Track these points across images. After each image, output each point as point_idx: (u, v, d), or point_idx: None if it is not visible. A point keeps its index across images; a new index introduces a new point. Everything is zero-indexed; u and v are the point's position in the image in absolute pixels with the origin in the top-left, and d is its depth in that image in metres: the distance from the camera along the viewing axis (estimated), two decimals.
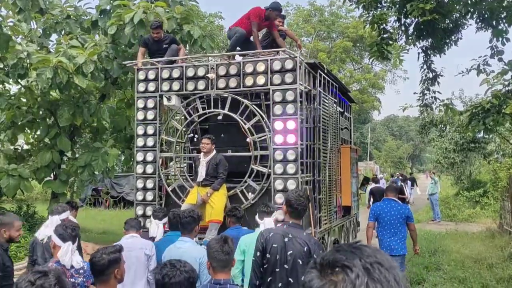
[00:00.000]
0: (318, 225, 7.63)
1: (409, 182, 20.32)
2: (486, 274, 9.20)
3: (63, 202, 7.47)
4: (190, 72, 7.67)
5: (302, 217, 4.22)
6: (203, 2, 63.05)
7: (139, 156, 7.93)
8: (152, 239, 5.80)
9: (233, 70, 7.42)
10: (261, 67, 7.22)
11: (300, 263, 3.84)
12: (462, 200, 21.22)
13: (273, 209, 5.58)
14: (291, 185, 6.83)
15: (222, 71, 7.49)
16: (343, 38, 37.37)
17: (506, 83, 8.29)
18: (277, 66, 7.12)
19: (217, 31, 27.70)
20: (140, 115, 7.99)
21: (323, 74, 8.25)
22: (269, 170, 7.08)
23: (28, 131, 12.15)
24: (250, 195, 7.23)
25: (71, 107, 10.83)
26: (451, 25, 9.02)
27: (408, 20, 8.90)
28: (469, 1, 8.22)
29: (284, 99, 7.03)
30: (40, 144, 11.93)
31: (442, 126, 22.12)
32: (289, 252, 3.88)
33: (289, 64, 7.06)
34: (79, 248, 4.78)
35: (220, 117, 7.62)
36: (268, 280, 3.91)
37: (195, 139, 8.34)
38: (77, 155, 12.16)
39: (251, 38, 8.20)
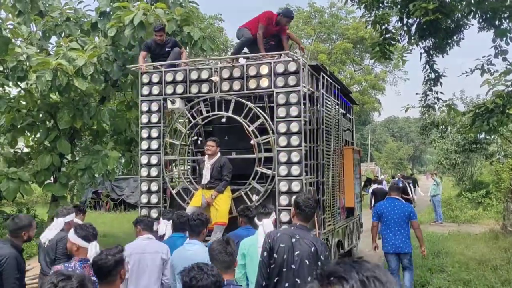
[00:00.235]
0: (322, 227, 7.74)
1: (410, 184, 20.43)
2: (491, 276, 9.22)
3: (71, 206, 7.53)
4: (194, 75, 7.78)
5: (310, 220, 4.29)
6: (202, 5, 63.18)
7: (144, 159, 8.03)
8: (161, 238, 5.90)
9: (236, 73, 7.52)
10: (264, 70, 7.32)
11: (307, 263, 3.91)
12: (464, 201, 21.30)
13: (271, 210, 5.63)
14: (296, 186, 6.92)
15: (225, 74, 7.59)
16: (343, 40, 37.55)
17: (509, 83, 8.34)
18: (280, 68, 7.22)
19: (217, 33, 27.82)
20: (144, 118, 8.09)
21: (325, 76, 8.37)
22: (273, 172, 7.18)
23: (28, 134, 12.14)
24: (254, 197, 7.33)
25: (71, 109, 10.86)
26: (453, 25, 9.06)
27: (410, 20, 8.94)
28: (472, 1, 8.26)
29: (287, 101, 7.12)
30: (40, 147, 11.93)
31: (444, 127, 22.21)
32: (296, 253, 3.94)
33: (292, 67, 7.16)
34: None
35: (224, 120, 7.74)
36: (275, 280, 3.97)
37: (199, 142, 8.46)
38: (77, 158, 12.21)
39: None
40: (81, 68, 9.70)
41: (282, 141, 7.12)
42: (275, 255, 4.00)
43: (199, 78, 7.75)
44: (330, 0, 39.37)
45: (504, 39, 8.70)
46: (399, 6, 8.74)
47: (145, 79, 8.14)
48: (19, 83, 11.01)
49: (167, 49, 8.70)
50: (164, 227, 6.18)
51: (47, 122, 11.84)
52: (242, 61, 7.71)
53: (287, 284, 3.92)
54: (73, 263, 4.00)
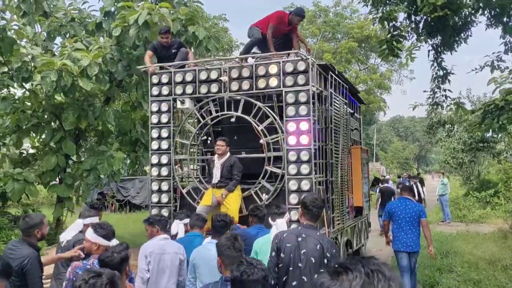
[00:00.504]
0: (332, 225, 7.88)
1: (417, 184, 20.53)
2: (501, 276, 9.25)
3: (87, 207, 7.59)
4: (203, 76, 7.93)
5: (317, 219, 4.40)
6: (206, 5, 63.33)
7: (154, 159, 8.19)
8: (173, 237, 6.03)
9: (245, 72, 7.66)
10: (273, 69, 7.46)
11: (313, 261, 4.01)
12: (472, 200, 21.32)
13: (285, 210, 5.79)
14: (305, 185, 7.05)
15: (234, 73, 7.73)
16: (348, 39, 37.70)
17: None
18: (289, 68, 7.35)
19: (222, 33, 27.92)
20: (154, 119, 8.25)
21: (334, 75, 8.51)
22: (283, 171, 7.32)
23: (34, 135, 12.23)
24: (264, 196, 7.48)
25: (75, 110, 10.98)
26: (460, 22, 9.11)
27: (418, 17, 8.97)
28: None
29: (297, 101, 7.26)
30: (46, 148, 12.02)
31: (450, 126, 22.26)
32: (302, 251, 4.05)
33: (301, 66, 7.28)
34: None
35: (233, 120, 7.89)
36: (284, 279, 4.08)
37: (209, 142, 8.63)
38: (82, 159, 12.31)
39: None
40: (86, 68, 9.81)
41: (292, 140, 7.25)
42: (282, 255, 4.11)
43: (208, 78, 7.90)
44: None
45: None
46: (406, 3, 8.76)
47: (155, 79, 8.29)
48: (23, 84, 11.13)
49: (173, 51, 8.83)
50: (176, 227, 6.32)
51: (52, 123, 11.94)
52: (251, 60, 7.85)
53: (294, 283, 4.02)
54: (91, 260, 4.13)
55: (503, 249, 11.79)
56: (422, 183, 21.40)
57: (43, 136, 12.05)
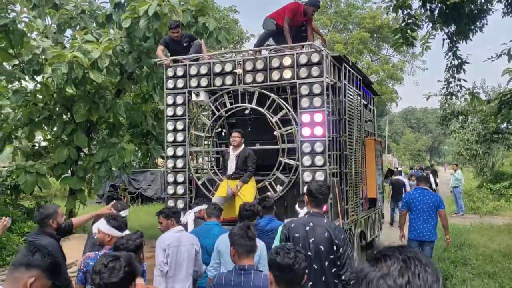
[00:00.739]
0: (346, 217, 8.03)
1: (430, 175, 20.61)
2: None
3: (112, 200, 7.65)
4: (218, 68, 8.07)
5: (323, 206, 4.52)
6: None
7: (169, 151, 8.39)
8: (184, 225, 6.16)
9: (259, 64, 7.78)
10: (287, 61, 7.57)
11: (323, 249, 4.12)
12: (486, 192, 21.32)
13: None
14: (319, 177, 7.16)
15: (249, 66, 7.86)
16: (360, 29, 37.57)
17: None
18: (303, 59, 7.45)
19: (233, 25, 27.93)
20: (169, 111, 8.43)
21: (347, 67, 8.61)
22: (297, 163, 7.47)
23: (45, 127, 12.39)
24: (278, 187, 7.64)
25: (86, 102, 11.11)
26: (476, 10, 9.08)
27: (433, 5, 8.95)
28: None
29: (311, 92, 7.37)
30: (57, 141, 12.20)
31: (464, 117, 22.25)
32: (311, 240, 4.16)
33: (315, 58, 7.38)
34: None
35: (247, 112, 8.05)
36: None
37: (223, 134, 8.81)
38: (94, 151, 12.49)
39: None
40: (96, 60, 9.90)
41: (306, 131, 7.37)
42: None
43: (223, 71, 8.04)
44: None
45: None
46: None
47: (170, 72, 8.46)
48: (35, 76, 11.24)
49: (184, 44, 8.96)
50: (187, 216, 6.57)
51: (64, 116, 12.10)
52: (265, 53, 7.99)
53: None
54: (103, 251, 4.24)
55: None
56: (435, 174, 21.49)
57: (55, 129, 12.21)
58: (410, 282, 1.31)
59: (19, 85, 11.77)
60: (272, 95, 7.76)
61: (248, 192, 7.36)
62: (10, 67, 11.31)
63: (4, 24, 9.83)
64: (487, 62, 9.37)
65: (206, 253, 5.47)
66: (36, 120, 11.65)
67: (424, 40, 9.36)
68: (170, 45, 9.03)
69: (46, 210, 5.01)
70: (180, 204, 8.06)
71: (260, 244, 4.59)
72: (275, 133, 7.75)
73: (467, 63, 9.76)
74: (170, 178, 8.34)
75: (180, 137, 8.35)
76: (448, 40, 9.64)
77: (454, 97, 10.17)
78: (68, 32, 12.75)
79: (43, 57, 10.62)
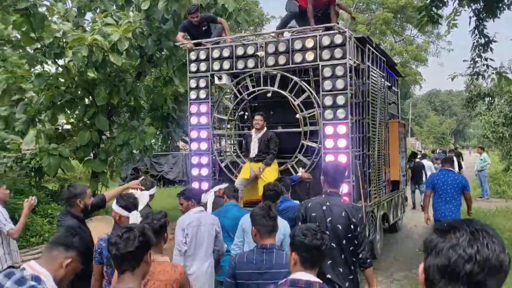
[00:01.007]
0: (368, 199, 8.14)
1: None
2: None
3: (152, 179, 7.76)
4: (240, 51, 8.17)
5: (339, 186, 4.61)
6: None
7: (193, 134, 8.59)
8: (205, 205, 6.35)
9: (282, 47, 7.85)
10: (310, 43, 7.60)
11: (340, 228, 4.20)
12: None
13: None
14: (342, 159, 7.25)
15: (271, 48, 7.93)
16: (383, 10, 37.14)
17: None
18: (326, 41, 7.48)
19: (253, 6, 27.77)
20: (192, 95, 8.60)
21: (371, 48, 8.63)
22: (319, 145, 7.58)
23: (68, 111, 12.56)
24: (300, 170, 7.76)
25: (107, 86, 11.27)
26: None
27: None
28: None
29: (333, 75, 7.40)
30: (80, 124, 12.42)
31: (490, 98, 21.96)
32: (328, 219, 4.24)
33: (338, 39, 7.40)
34: None
35: (269, 95, 8.16)
36: None
37: (245, 117, 8.96)
38: (115, 134, 12.65)
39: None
40: (116, 43, 9.98)
41: (328, 114, 7.44)
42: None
43: (245, 54, 8.13)
44: None
45: None
46: None
47: (193, 56, 8.59)
48: (56, 60, 11.40)
49: (203, 28, 9.07)
50: (207, 196, 6.75)
51: (85, 99, 12.28)
52: (287, 35, 8.06)
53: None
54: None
55: None
56: (459, 157, 21.38)
57: (77, 112, 12.38)
58: (480, 251, 1.42)
59: (42, 69, 11.97)
60: (295, 78, 7.84)
61: (270, 175, 7.48)
62: (32, 51, 11.51)
63: (25, 7, 9.94)
64: None
65: (224, 233, 5.67)
66: (58, 103, 11.79)
67: (450, 18, 9.19)
68: (190, 30, 9.11)
69: (75, 189, 5.09)
70: (204, 186, 8.27)
71: (282, 223, 4.72)
72: (297, 115, 7.84)
73: (494, 41, 9.58)
74: (194, 161, 8.56)
75: (203, 120, 8.53)
76: (475, 18, 9.43)
77: (480, 77, 10.00)
78: (89, 16, 12.83)
79: (64, 40, 10.72)
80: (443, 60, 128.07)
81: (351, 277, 4.23)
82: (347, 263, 4.22)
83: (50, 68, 12.42)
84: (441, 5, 9.05)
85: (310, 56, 7.62)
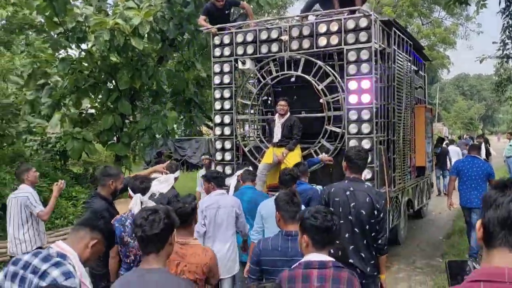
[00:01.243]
0: (392, 185, 8.16)
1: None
2: None
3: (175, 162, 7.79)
4: (264, 35, 8.20)
5: (362, 171, 4.64)
6: None
7: (217, 119, 8.72)
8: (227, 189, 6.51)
9: (306, 31, 7.84)
10: (334, 27, 7.58)
11: (364, 213, 4.25)
12: None
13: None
14: (366, 144, 7.26)
15: (295, 32, 7.93)
16: None
17: None
18: (351, 25, 7.45)
19: None
20: (216, 80, 8.71)
21: (397, 32, 8.55)
22: (343, 130, 7.61)
23: (92, 95, 12.70)
24: (323, 155, 7.83)
25: (129, 70, 11.34)
26: None
27: None
28: None
29: (358, 59, 7.38)
30: (103, 108, 12.58)
31: None
32: (352, 204, 4.28)
33: (363, 23, 7.36)
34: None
35: (293, 79, 8.20)
36: None
37: (269, 102, 9.02)
38: (138, 119, 12.85)
39: None
40: (137, 27, 10.03)
41: (352, 99, 7.44)
42: (331, 209, 4.28)
43: (269, 38, 8.16)
44: None
45: None
46: None
47: (217, 41, 8.67)
48: (79, 44, 11.54)
49: (226, 12, 9.11)
50: (231, 179, 6.98)
51: (108, 83, 12.45)
52: (311, 18, 8.06)
53: (347, 235, 4.28)
54: (127, 213, 4.57)
55: None
56: (487, 143, 21.14)
57: (100, 96, 12.57)
58: None
59: (66, 53, 12.16)
60: (319, 62, 7.85)
61: (293, 160, 7.51)
62: (56, 36, 11.67)
63: None
64: None
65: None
66: (82, 87, 11.92)
67: None
68: (213, 13, 9.11)
69: (110, 170, 5.23)
70: (228, 170, 8.42)
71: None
72: (321, 100, 7.87)
73: None
74: (218, 145, 8.70)
75: (227, 105, 8.63)
76: None
77: (510, 60, 9.88)
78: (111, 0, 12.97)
79: (86, 24, 10.83)
80: (472, 43, 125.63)
81: (372, 262, 4.31)
82: (369, 248, 4.29)
83: (74, 52, 12.62)
84: None
85: (334, 40, 7.60)
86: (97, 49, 10.73)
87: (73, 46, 11.71)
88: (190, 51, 12.30)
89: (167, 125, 11.73)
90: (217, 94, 8.72)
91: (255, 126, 9.09)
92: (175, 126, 14.02)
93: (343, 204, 4.31)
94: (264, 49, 8.22)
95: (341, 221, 4.25)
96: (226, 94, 8.63)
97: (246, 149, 8.49)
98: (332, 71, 7.76)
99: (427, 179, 11.14)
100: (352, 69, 7.46)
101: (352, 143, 7.34)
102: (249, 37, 8.33)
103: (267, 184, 7.75)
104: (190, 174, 19.98)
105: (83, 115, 13.13)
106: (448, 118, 60.80)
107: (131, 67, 11.43)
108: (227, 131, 8.62)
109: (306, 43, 7.85)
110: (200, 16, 9.31)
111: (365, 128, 7.36)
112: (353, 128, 7.45)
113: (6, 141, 11.85)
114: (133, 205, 4.52)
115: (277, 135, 7.77)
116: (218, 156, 8.70)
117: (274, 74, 8.29)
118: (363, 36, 7.38)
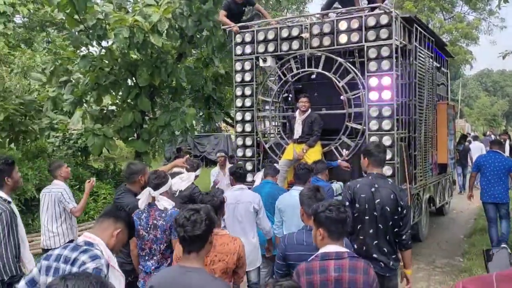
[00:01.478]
0: (414, 181, 8.22)
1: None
2: None
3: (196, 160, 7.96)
4: (285, 33, 8.33)
5: (383, 165, 4.74)
6: None
7: (238, 116, 8.91)
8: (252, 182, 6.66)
9: (326, 28, 7.94)
10: (355, 24, 7.67)
11: (388, 210, 4.35)
12: None
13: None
14: (387, 141, 7.36)
15: (315, 30, 8.04)
16: None
17: None
18: (371, 22, 7.53)
19: None
20: (238, 77, 8.88)
21: (419, 28, 8.59)
22: (364, 127, 7.71)
23: (113, 92, 12.98)
24: (344, 152, 7.94)
25: (149, 67, 11.55)
26: None
27: None
28: None
29: (379, 55, 7.47)
30: (124, 105, 12.80)
31: None
32: (377, 201, 4.39)
33: (384, 19, 7.44)
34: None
35: (313, 76, 8.32)
36: (358, 227, 4.46)
37: (289, 99, 9.16)
38: (157, 115, 13.05)
39: None
40: (156, 24, 10.20)
41: (373, 95, 7.54)
42: (357, 205, 4.46)
43: (290, 36, 8.29)
44: None
45: None
46: None
47: (238, 39, 8.84)
48: (99, 41, 11.68)
49: (243, 9, 9.33)
50: (258, 175, 7.15)
51: (128, 80, 12.63)
52: (332, 16, 8.17)
53: (371, 230, 4.40)
54: (144, 207, 4.66)
55: None
56: (510, 139, 21.03)
57: (121, 93, 12.78)
58: None
59: (87, 51, 12.40)
60: (339, 59, 7.95)
61: (314, 156, 7.66)
62: (76, 33, 11.90)
63: None
64: None
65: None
66: (103, 84, 12.12)
67: None
68: (233, 9, 9.27)
69: (136, 166, 5.32)
70: (249, 166, 8.62)
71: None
72: (341, 97, 7.98)
73: None
74: (239, 142, 8.90)
75: (248, 102, 8.81)
76: None
77: None
78: None
79: (106, 22, 10.97)
80: (495, 38, 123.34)
81: (394, 256, 4.45)
82: (390, 243, 4.43)
83: (95, 49, 12.85)
84: None
85: (355, 37, 7.69)
86: (117, 47, 10.91)
87: (94, 43, 11.90)
88: (208, 48, 12.44)
89: (186, 122, 11.87)
90: (238, 92, 8.89)
91: (276, 122, 9.23)
92: (194, 122, 14.18)
93: (368, 201, 4.42)
94: (285, 46, 8.34)
95: (366, 217, 4.42)
96: (247, 91, 8.79)
97: (266, 146, 8.66)
98: (353, 68, 7.86)
99: (449, 177, 11.17)
100: (372, 66, 7.54)
101: (373, 139, 7.42)
102: (270, 35, 8.47)
103: (287, 180, 7.89)
104: (208, 170, 20.13)
105: (104, 111, 13.32)
106: (471, 115, 60.25)
107: (151, 64, 11.61)
108: (248, 128, 8.80)
109: (326, 41, 7.95)
110: (219, 12, 9.47)
111: (386, 125, 7.45)
112: (374, 125, 7.54)
113: (29, 137, 12.15)
114: (140, 196, 4.60)
115: (298, 132, 7.91)
116: (239, 153, 8.89)
117: (295, 71, 8.42)
118: (383, 33, 7.46)
